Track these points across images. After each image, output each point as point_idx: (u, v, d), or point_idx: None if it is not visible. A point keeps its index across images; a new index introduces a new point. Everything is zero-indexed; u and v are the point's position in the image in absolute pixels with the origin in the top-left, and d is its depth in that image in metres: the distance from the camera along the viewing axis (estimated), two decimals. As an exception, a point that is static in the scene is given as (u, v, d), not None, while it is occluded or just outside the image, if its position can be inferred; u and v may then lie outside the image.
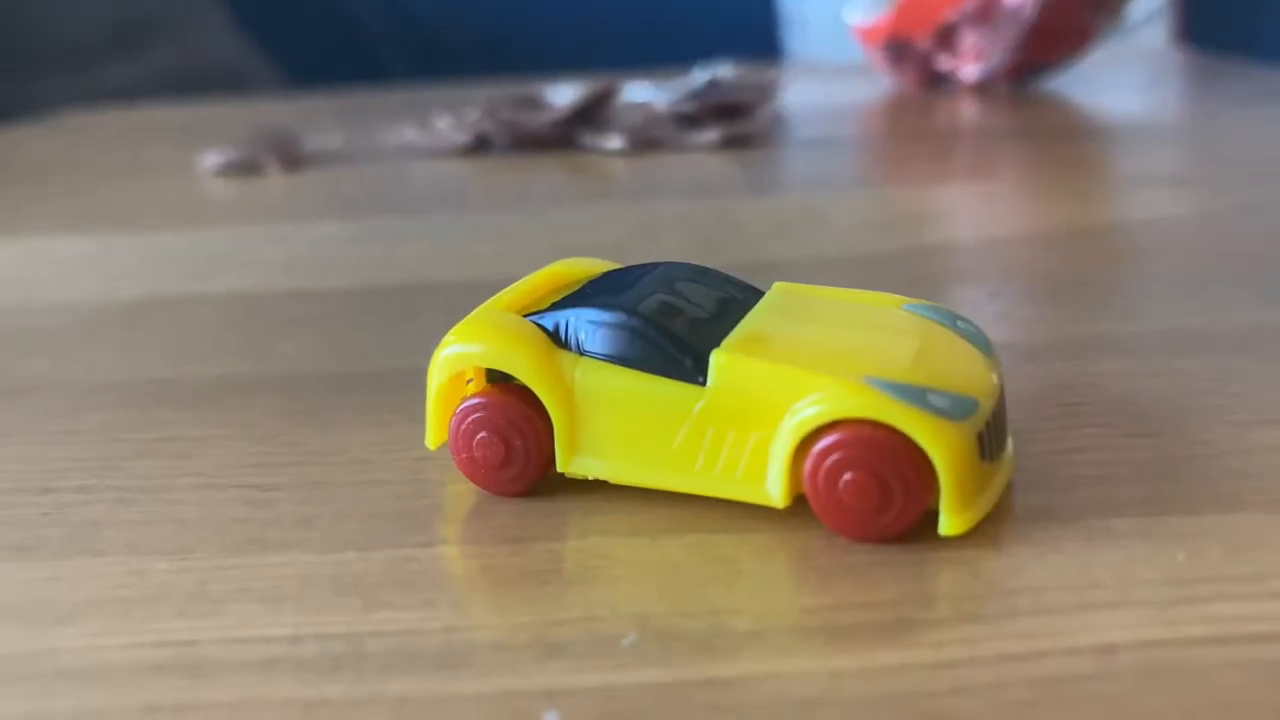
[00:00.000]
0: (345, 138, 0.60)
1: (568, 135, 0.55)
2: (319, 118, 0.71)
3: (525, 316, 0.20)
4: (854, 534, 0.18)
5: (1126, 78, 0.71)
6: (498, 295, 0.22)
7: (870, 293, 0.22)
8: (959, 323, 0.21)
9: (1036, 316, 0.29)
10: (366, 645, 0.16)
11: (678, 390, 0.19)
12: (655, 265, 0.22)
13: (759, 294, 0.22)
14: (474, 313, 0.21)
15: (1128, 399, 0.23)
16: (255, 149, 0.54)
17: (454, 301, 0.30)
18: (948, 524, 0.18)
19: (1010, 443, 0.20)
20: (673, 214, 0.42)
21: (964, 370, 0.19)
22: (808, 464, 0.18)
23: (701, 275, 0.22)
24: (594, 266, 0.23)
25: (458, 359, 0.20)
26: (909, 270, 0.34)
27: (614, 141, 0.54)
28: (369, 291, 0.34)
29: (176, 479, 0.22)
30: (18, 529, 0.20)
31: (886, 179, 0.49)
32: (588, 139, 0.55)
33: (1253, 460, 0.20)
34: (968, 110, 0.60)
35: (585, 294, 0.21)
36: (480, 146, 0.56)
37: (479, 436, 0.20)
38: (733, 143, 0.53)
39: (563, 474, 0.20)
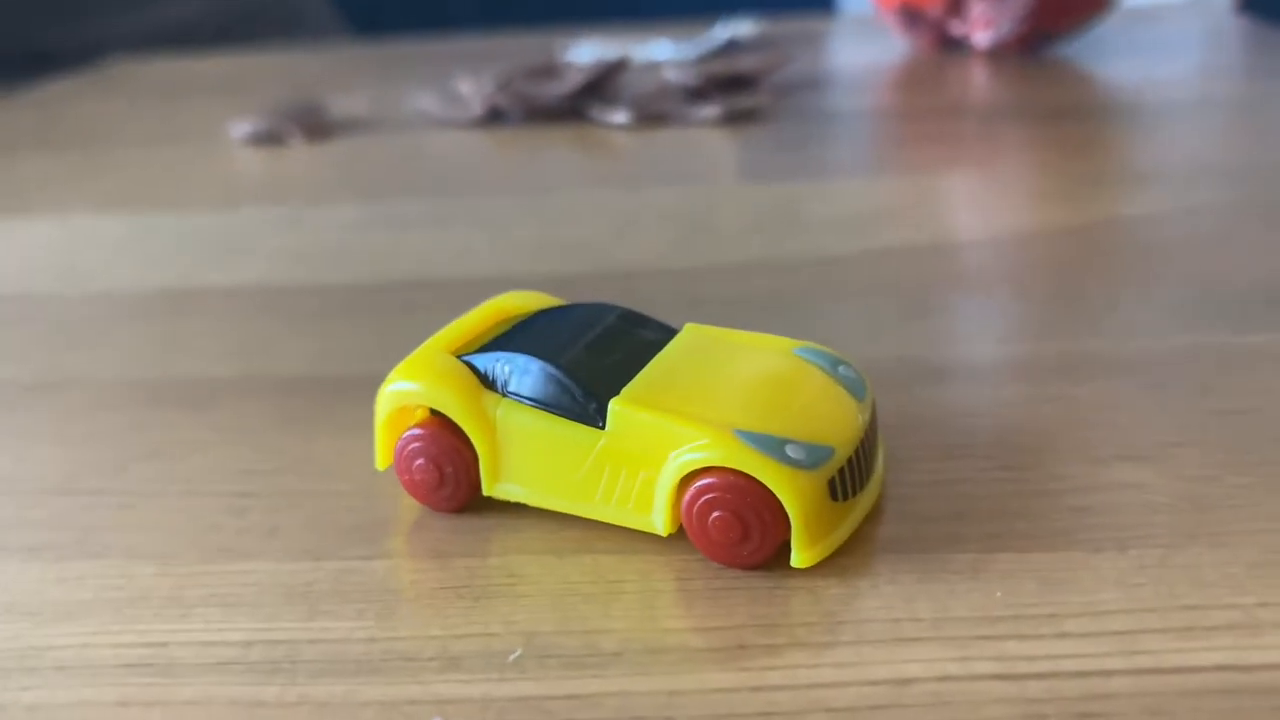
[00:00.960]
0: (371, 100, 0.63)
1: (578, 107, 0.58)
2: (352, 71, 0.74)
3: (461, 356, 0.23)
4: (721, 561, 0.21)
5: (1160, 40, 0.70)
6: (444, 330, 0.25)
7: (767, 336, 0.24)
8: (840, 368, 0.23)
9: (960, 334, 0.32)
10: (303, 652, 0.20)
11: (581, 432, 0.22)
12: (580, 308, 0.25)
13: (671, 334, 0.24)
14: (417, 351, 0.24)
15: (1015, 428, 0.26)
16: (280, 119, 0.58)
17: (448, 298, 0.34)
18: (797, 558, 0.21)
19: (879, 474, 0.23)
20: (659, 203, 0.44)
21: (828, 419, 0.22)
22: (684, 502, 0.21)
23: (620, 319, 0.24)
24: (531, 302, 0.26)
25: (399, 396, 0.23)
26: (867, 275, 0.36)
27: (620, 116, 0.56)
28: (373, 287, 0.38)
29: (172, 484, 0.26)
30: (35, 530, 0.24)
31: (877, 164, 0.50)
32: (596, 111, 0.57)
33: (1095, 498, 0.23)
34: (978, 81, 0.61)
35: (513, 336, 0.24)
36: (495, 118, 0.59)
37: (417, 463, 0.23)
38: (735, 118, 0.55)
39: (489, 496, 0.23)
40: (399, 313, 0.35)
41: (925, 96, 0.61)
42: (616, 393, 0.22)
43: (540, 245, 0.40)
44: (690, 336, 0.24)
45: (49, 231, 0.46)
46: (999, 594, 0.20)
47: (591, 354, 0.23)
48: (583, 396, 0.22)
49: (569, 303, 0.26)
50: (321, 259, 0.40)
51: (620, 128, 0.56)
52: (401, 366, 0.24)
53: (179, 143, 0.59)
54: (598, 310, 0.25)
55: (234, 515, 0.24)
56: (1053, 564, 0.21)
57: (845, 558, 0.21)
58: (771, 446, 0.21)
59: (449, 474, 0.23)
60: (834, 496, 0.21)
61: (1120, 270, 0.35)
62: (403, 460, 0.23)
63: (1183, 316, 0.31)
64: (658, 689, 0.18)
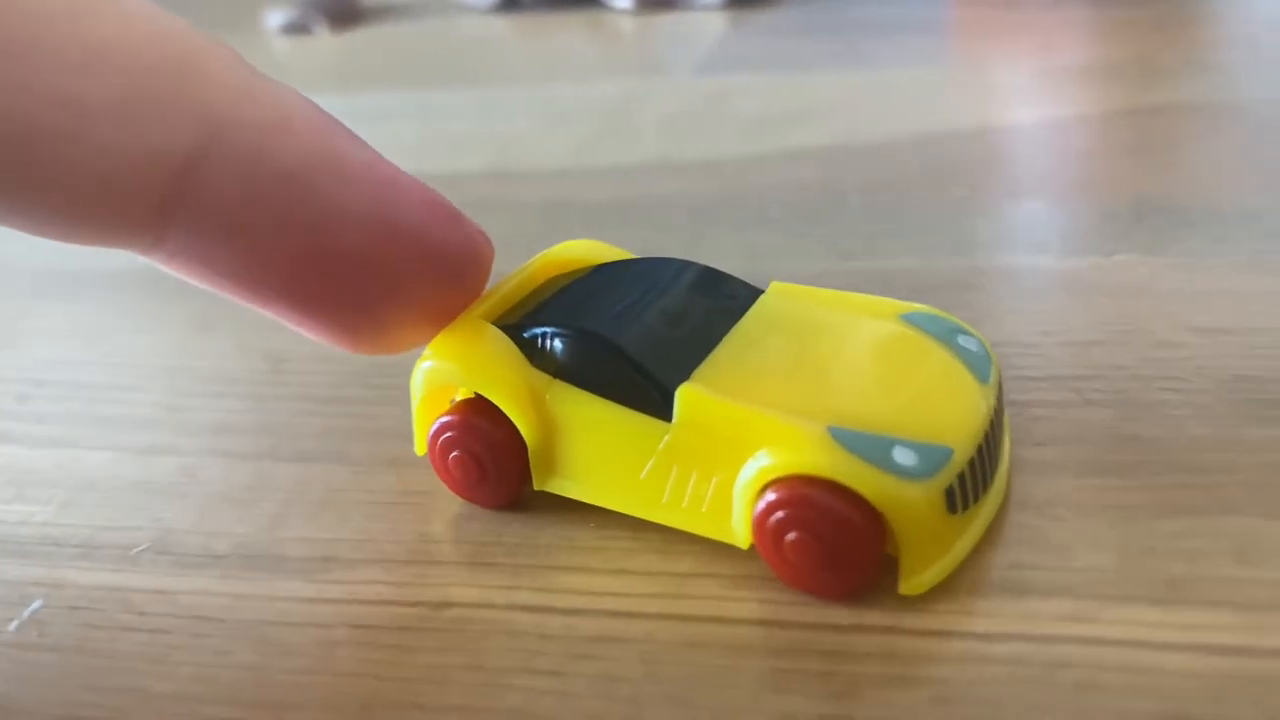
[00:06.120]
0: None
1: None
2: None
3: (507, 325, 0.20)
4: (803, 590, 0.18)
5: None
6: (490, 291, 0.21)
7: (869, 298, 0.21)
8: (959, 338, 0.19)
9: (747, 253, 0.30)
10: (70, 536, 0.21)
11: (645, 424, 0.18)
12: (646, 263, 0.21)
13: (755, 295, 0.21)
14: (458, 320, 0.20)
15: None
16: (307, 9, 0.59)
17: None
18: (904, 585, 0.17)
19: (1004, 471, 0.19)
20: (600, 97, 0.44)
21: (944, 408, 0.18)
22: (755, 514, 0.17)
23: (694, 279, 0.21)
24: (592, 254, 0.22)
25: (435, 376, 0.20)
26: (724, 183, 0.34)
27: (623, 1, 0.54)
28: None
29: (111, 379, 0.28)
30: (45, 423, 0.26)
31: (858, 56, 0.47)
32: (605, -5, 0.56)
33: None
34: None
35: (565, 301, 0.20)
36: (513, 3, 0.58)
37: (452, 455, 0.20)
38: (742, 2, 0.53)
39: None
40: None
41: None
42: (687, 375, 0.18)
43: (462, 141, 0.41)
44: (776, 300, 0.20)
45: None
46: (592, 524, 0.20)
47: (658, 325, 0.19)
48: (645, 382, 0.18)
49: (635, 256, 0.22)
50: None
51: (624, 12, 0.54)
52: (439, 340, 0.20)
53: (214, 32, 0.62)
54: (667, 267, 0.21)
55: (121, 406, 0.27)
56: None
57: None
58: (875, 449, 0.17)
59: (490, 467, 0.20)
60: (951, 509, 0.17)
61: (999, 181, 0.32)
62: (437, 452, 0.20)
63: (1051, 234, 0.28)
64: (223, 591, 0.19)
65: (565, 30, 0.54)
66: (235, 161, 0.16)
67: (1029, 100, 0.38)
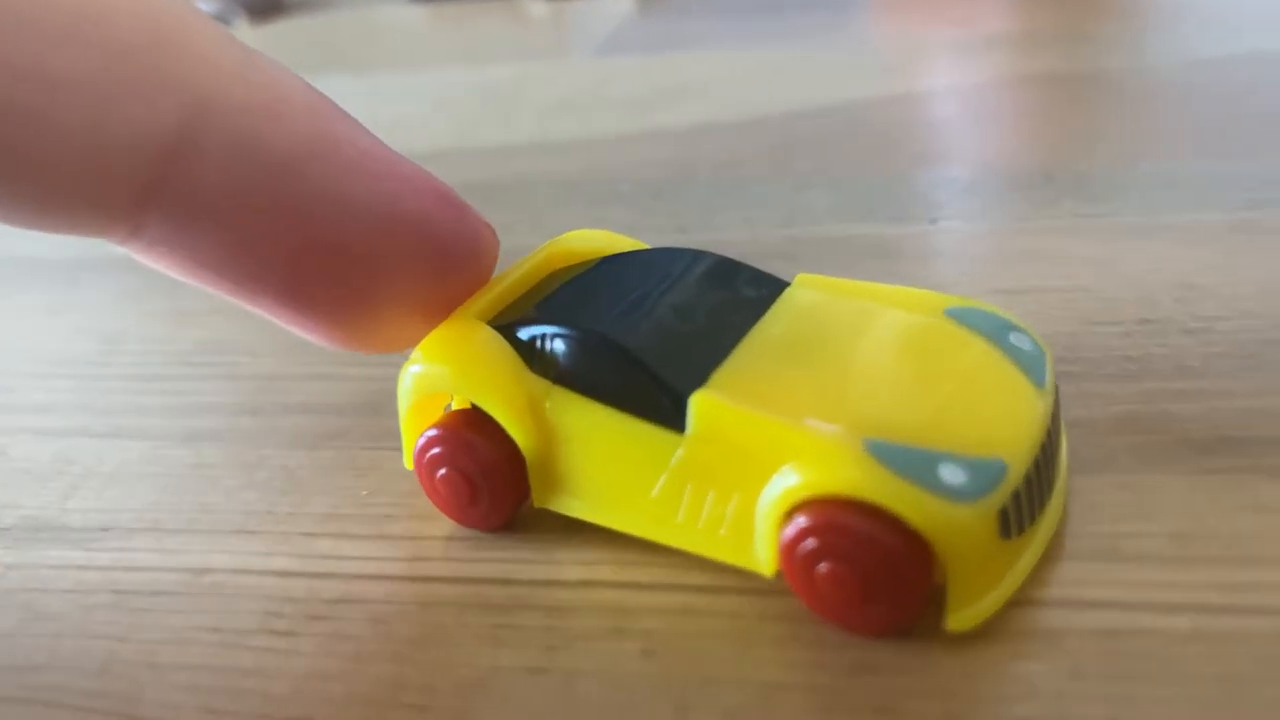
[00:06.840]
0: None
1: (504, -21, 0.57)
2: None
3: (503, 325, 0.18)
4: (839, 624, 0.16)
5: None
6: (489, 285, 0.18)
7: (908, 291, 0.18)
8: (1011, 335, 0.17)
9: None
10: None
11: (655, 435, 0.16)
12: (656, 254, 0.19)
13: (779, 289, 0.19)
14: (449, 320, 0.18)
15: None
16: (229, 1, 0.60)
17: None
18: (952, 620, 0.15)
19: (1062, 488, 0.17)
20: (494, 80, 0.44)
21: (996, 417, 0.16)
22: (783, 540, 0.15)
23: (709, 271, 0.19)
24: (597, 244, 0.20)
25: (423, 382, 0.18)
26: (563, 164, 0.35)
27: (538, -13, 0.55)
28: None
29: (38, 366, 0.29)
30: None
31: (762, 34, 0.47)
32: (521, -18, 0.56)
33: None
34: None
35: (566, 297, 0.18)
36: (433, -9, 0.59)
37: (440, 473, 0.18)
38: (654, -16, 0.53)
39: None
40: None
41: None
42: (702, 379, 0.16)
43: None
44: (802, 294, 0.18)
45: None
46: (364, 492, 0.20)
47: (669, 324, 0.17)
48: (655, 389, 0.16)
49: (647, 247, 0.20)
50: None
51: (542, -1, 0.55)
52: (429, 341, 0.18)
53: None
54: (679, 258, 0.19)
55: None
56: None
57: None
58: (919, 466, 0.15)
59: (483, 486, 0.18)
60: (1005, 533, 0.15)
61: (848, 154, 0.32)
62: (423, 468, 0.19)
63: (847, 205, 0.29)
64: (3, 561, 0.20)
65: (482, 17, 0.54)
66: (224, 146, 0.15)
67: (908, 74, 0.39)
